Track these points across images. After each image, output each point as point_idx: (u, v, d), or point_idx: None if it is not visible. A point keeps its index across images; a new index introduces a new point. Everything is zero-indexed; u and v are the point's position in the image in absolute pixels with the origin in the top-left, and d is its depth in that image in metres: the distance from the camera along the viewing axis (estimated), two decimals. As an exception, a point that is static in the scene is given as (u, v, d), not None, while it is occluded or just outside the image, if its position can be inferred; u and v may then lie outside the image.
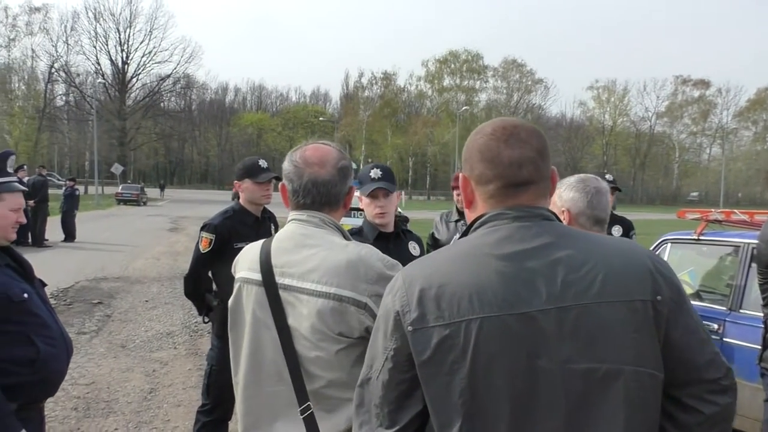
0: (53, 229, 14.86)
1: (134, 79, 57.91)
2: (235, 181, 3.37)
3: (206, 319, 3.42)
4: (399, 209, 4.05)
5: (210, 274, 3.39)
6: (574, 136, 76.84)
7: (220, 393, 3.28)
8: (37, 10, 51.49)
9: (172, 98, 66.01)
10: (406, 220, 4.30)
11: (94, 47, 55.77)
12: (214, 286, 3.40)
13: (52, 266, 10.70)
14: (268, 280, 1.61)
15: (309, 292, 1.54)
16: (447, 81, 70.02)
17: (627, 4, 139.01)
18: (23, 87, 52.49)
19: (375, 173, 2.85)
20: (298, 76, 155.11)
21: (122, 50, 56.62)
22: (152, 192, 44.88)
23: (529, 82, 70.27)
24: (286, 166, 1.70)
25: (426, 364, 1.12)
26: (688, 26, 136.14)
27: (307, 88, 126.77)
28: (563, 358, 1.09)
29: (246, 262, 1.73)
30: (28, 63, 52.10)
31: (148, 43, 56.61)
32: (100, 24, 55.66)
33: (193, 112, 76.29)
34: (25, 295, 2.19)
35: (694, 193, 71.05)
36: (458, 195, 4.54)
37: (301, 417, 1.55)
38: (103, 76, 54.88)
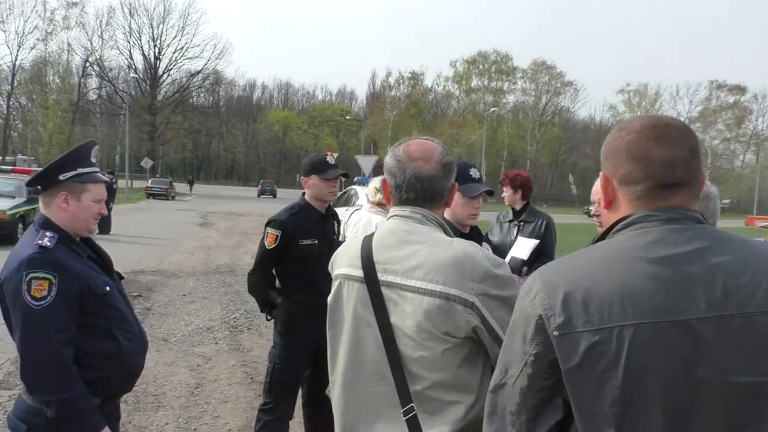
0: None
1: (165, 75, 58.69)
2: (302, 177, 3.32)
3: (269, 317, 3.36)
4: None
5: (274, 271, 3.35)
6: (603, 140, 75.46)
7: (283, 392, 3.24)
8: (74, 4, 52.41)
9: (201, 94, 66.71)
10: None
11: (128, 42, 56.68)
12: (278, 283, 3.35)
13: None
14: (370, 277, 1.59)
15: (413, 290, 1.51)
16: (475, 82, 69.71)
17: (661, 6, 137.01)
18: (57, 80, 53.44)
19: (474, 173, 2.76)
20: (325, 74, 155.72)
21: (155, 45, 57.44)
22: (180, 187, 45.41)
23: (558, 85, 69.60)
24: (388, 160, 1.67)
25: (574, 370, 1.07)
26: (724, 30, 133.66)
27: (333, 87, 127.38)
28: (723, 369, 1.03)
29: (346, 259, 1.70)
30: (63, 57, 53.07)
31: (180, 39, 57.37)
32: (134, 19, 56.57)
33: (221, 109, 76.94)
34: (107, 288, 2.16)
35: (726, 201, 69.70)
36: (505, 194, 4.44)
37: (404, 418, 1.51)
38: (135, 70, 55.64)
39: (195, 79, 59.50)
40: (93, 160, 2.22)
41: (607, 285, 1.08)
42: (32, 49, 50.86)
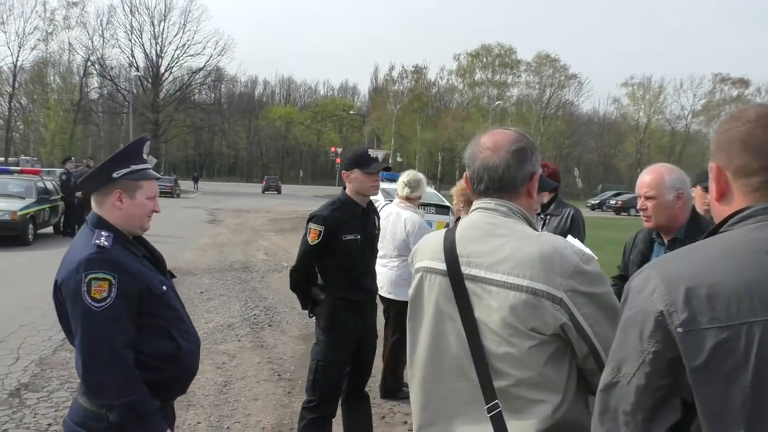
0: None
1: (167, 73, 58.53)
2: (343, 172, 3.25)
3: (311, 314, 3.29)
4: None
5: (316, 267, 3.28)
6: (607, 134, 75.67)
7: (327, 389, 3.18)
8: (75, 4, 52.11)
9: (203, 91, 66.59)
10: None
11: (129, 40, 56.40)
12: (319, 280, 3.28)
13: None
14: (454, 270, 1.54)
15: (499, 284, 1.46)
16: (479, 75, 69.43)
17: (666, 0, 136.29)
18: (59, 80, 53.34)
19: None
20: (327, 69, 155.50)
21: (156, 43, 57.19)
22: (184, 184, 45.38)
23: (563, 78, 69.14)
24: (466, 152, 1.67)
25: (700, 369, 1.03)
26: (727, 23, 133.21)
27: (335, 82, 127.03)
28: None
29: (428, 252, 1.66)
30: (64, 56, 52.93)
31: (181, 36, 57.10)
32: (135, 17, 56.17)
33: (223, 105, 76.87)
34: (164, 288, 2.10)
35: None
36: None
37: (488, 416, 1.46)
38: (137, 68, 55.53)
39: (197, 77, 59.40)
40: (145, 156, 2.15)
41: (733, 280, 1.04)
42: (33, 49, 50.68)
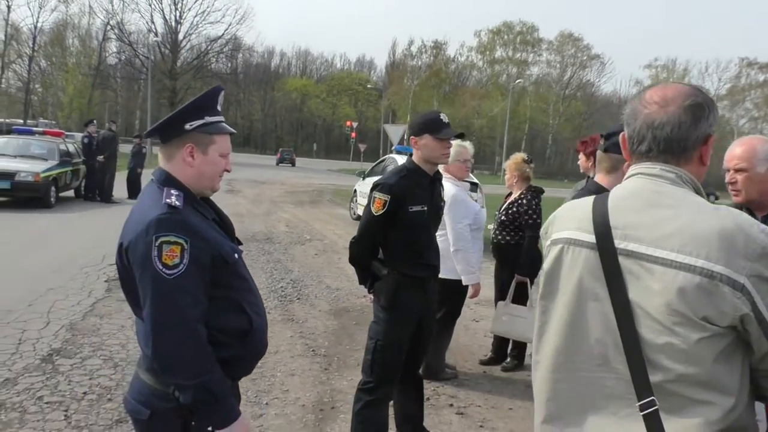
0: (119, 185, 14.90)
1: (185, 40, 58.05)
2: (411, 137, 3.01)
3: (371, 290, 3.09)
4: None
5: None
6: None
7: (386, 371, 3.01)
8: (96, -35, 51.67)
9: (221, 60, 66.03)
10: None
11: (150, 5, 55.82)
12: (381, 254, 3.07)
13: (123, 223, 10.68)
14: (605, 244, 1.33)
15: (665, 263, 1.24)
16: (499, 53, 68.38)
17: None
18: (77, 43, 53.07)
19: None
20: (344, 42, 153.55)
21: (176, 9, 56.60)
22: (200, 153, 44.96)
23: (585, 58, 68.02)
24: (626, 108, 1.44)
25: None
26: (756, 5, 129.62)
27: (352, 55, 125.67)
28: None
29: (570, 221, 1.45)
30: (84, 19, 52.58)
31: (201, 3, 56.54)
32: (157, -19, 55.65)
33: (239, 75, 76.32)
34: (236, 256, 1.90)
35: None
36: (580, 161, 4.33)
37: (641, 413, 1.26)
38: (156, 34, 55.08)
39: (215, 45, 58.85)
40: (219, 107, 1.94)
41: None
42: (53, 11, 50.46)
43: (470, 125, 62.58)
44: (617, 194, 1.40)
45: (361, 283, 3.17)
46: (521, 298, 4.68)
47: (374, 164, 14.56)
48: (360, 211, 13.86)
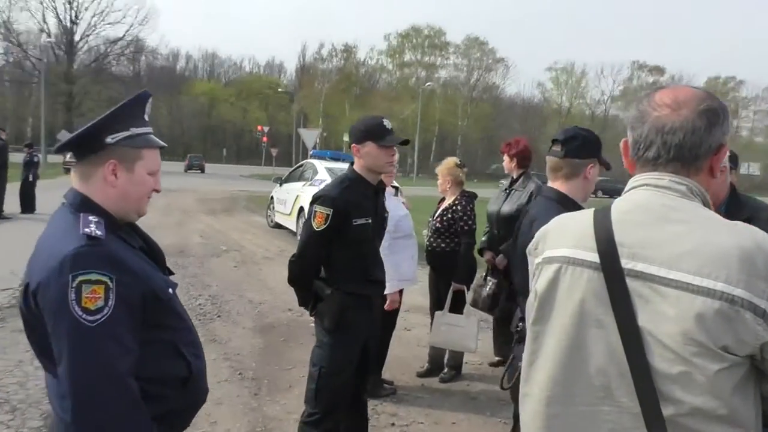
0: (10, 198, 13.67)
1: (83, 41, 54.80)
2: (353, 145, 2.78)
3: (313, 312, 2.83)
4: None
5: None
6: (530, 117, 77.65)
7: (333, 400, 2.76)
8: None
9: (122, 63, 62.90)
10: None
11: (41, 3, 52.31)
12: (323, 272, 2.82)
13: (17, 242, 9.75)
14: (610, 263, 1.19)
15: (681, 286, 1.10)
16: (408, 56, 69.36)
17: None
18: (-42, 44, 48.83)
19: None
20: (252, 45, 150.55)
21: (71, 8, 53.31)
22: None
23: (490, 61, 70.32)
24: (632, 112, 1.31)
25: None
26: (648, 13, 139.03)
27: (261, 59, 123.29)
28: None
29: (567, 237, 1.30)
30: (-35, 18, 48.46)
31: (99, 2, 53.52)
32: (46, -22, 52.17)
33: (143, 79, 72.94)
34: (170, 291, 1.62)
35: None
36: (504, 162, 4.63)
37: None
38: (48, 35, 51.59)
39: (115, 47, 55.97)
40: (147, 117, 1.64)
41: None
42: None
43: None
44: (622, 207, 1.26)
45: (301, 305, 2.90)
46: (458, 306, 4.57)
47: (292, 170, 14.18)
48: (278, 219, 13.45)
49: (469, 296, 4.57)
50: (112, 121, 1.55)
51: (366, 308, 2.81)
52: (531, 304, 1.37)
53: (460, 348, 4.58)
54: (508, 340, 4.89)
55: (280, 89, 76.25)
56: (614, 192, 35.69)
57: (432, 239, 4.68)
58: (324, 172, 11.45)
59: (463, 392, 4.61)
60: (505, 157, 4.69)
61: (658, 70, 70.36)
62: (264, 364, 5.06)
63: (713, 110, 1.22)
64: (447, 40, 69.29)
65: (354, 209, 2.70)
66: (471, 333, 4.47)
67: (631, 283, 1.16)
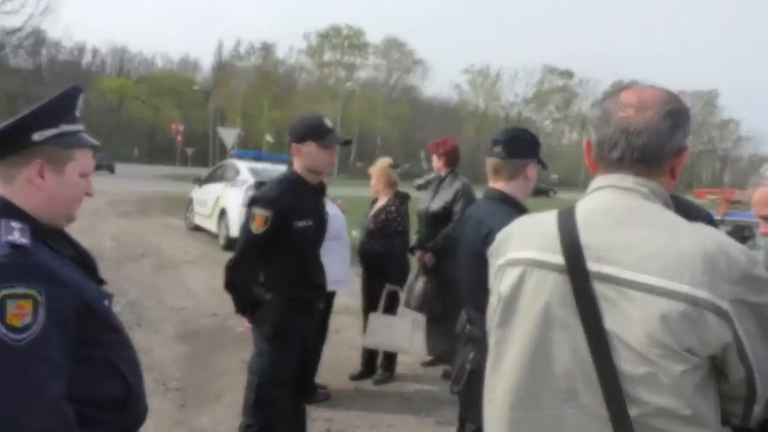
0: None
1: (-26, 31, 50.96)
2: (293, 144, 2.68)
3: (252, 320, 2.70)
4: None
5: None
6: (448, 118, 79.42)
7: (272, 411, 2.65)
8: None
9: (20, 55, 58.98)
10: None
11: None
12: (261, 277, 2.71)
13: None
14: (576, 266, 1.18)
15: (646, 288, 1.11)
16: (328, 56, 69.12)
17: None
18: None
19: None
20: (165, 41, 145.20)
21: (-41, -5, 49.38)
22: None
23: (409, 62, 71.22)
24: (595, 111, 1.29)
25: None
26: (560, 15, 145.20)
27: (174, 55, 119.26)
28: None
29: (531, 239, 1.29)
30: None
31: (-8, -10, 49.87)
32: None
33: (44, 73, 68.76)
34: (106, 303, 1.49)
35: (555, 176, 76.84)
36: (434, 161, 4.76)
37: None
38: (-66, 24, 47.66)
39: (12, 38, 52.38)
40: (78, 114, 1.50)
41: None
42: None
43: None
44: (586, 209, 1.25)
45: (239, 312, 2.76)
46: (391, 307, 4.55)
47: (212, 170, 13.74)
48: (197, 221, 12.99)
49: (402, 296, 4.56)
50: (40, 117, 1.40)
51: (307, 314, 2.72)
52: (493, 307, 1.36)
53: (395, 349, 4.57)
54: (441, 339, 4.95)
55: (195, 87, 73.97)
56: (540, 192, 37.10)
57: (365, 240, 4.64)
58: (246, 173, 11.16)
59: (398, 393, 4.58)
60: (434, 157, 4.75)
61: (567, 74, 73.74)
62: (189, 374, 4.85)
63: (677, 112, 1.23)
64: (366, 41, 69.67)
65: (294, 211, 2.60)
66: (405, 333, 4.46)
67: (597, 286, 1.16)
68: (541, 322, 1.22)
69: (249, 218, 2.59)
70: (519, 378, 1.24)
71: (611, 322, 1.13)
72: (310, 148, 2.67)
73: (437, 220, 4.57)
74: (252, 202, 2.62)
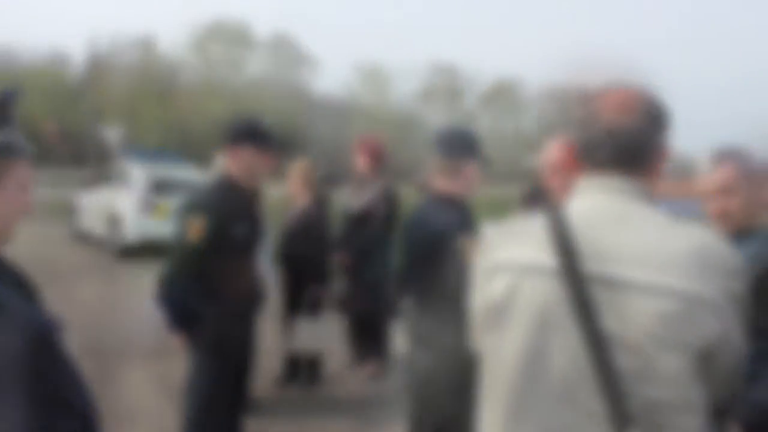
0: None
1: None
2: (228, 145, 2.54)
3: (187, 332, 2.53)
4: None
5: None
6: (338, 116, 79.44)
7: (212, 426, 2.50)
8: None
9: None
10: None
11: None
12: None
13: None
14: (572, 268, 1.19)
15: (642, 287, 1.15)
16: (213, 51, 66.78)
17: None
18: None
19: None
20: (31, 33, 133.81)
21: None
22: None
23: (299, 58, 70.34)
24: (575, 112, 1.32)
25: None
26: (447, 11, 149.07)
27: (42, 48, 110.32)
28: None
29: (519, 242, 1.28)
30: None
31: None
32: None
33: None
34: (57, 333, 1.33)
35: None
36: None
37: None
38: None
39: None
40: (14, 121, 1.33)
41: None
42: None
43: (190, 128, 60.12)
44: (575, 210, 1.27)
45: (173, 327, 2.58)
46: (314, 310, 4.48)
47: (96, 171, 12.84)
48: (84, 227, 12.11)
49: (326, 298, 4.51)
50: None
51: (245, 324, 2.60)
52: (481, 313, 1.34)
53: (321, 351, 4.52)
54: (364, 340, 4.95)
55: (68, 83, 68.81)
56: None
57: (286, 243, 4.53)
58: (140, 174, 10.46)
59: (325, 397, 4.54)
60: (359, 157, 4.74)
61: (452, 71, 76.08)
62: (97, 394, 4.50)
63: (661, 113, 1.28)
64: (253, 36, 68.08)
65: (231, 217, 2.47)
66: (331, 335, 4.43)
67: (593, 287, 1.17)
68: (537, 327, 1.22)
69: (183, 227, 2.42)
70: (514, 384, 1.24)
71: (607, 322, 1.16)
72: (247, 150, 2.55)
73: (359, 221, 4.55)
74: (186, 210, 2.46)
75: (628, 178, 1.26)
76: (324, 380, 4.79)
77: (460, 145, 2.48)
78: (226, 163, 2.61)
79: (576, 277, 1.18)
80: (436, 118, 76.20)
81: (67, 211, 13.67)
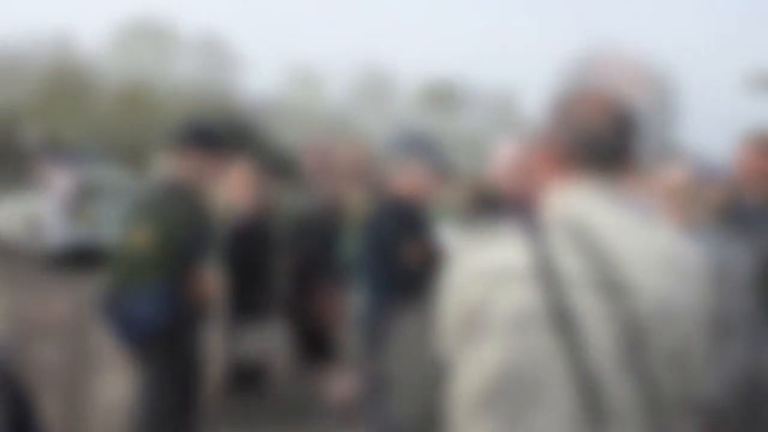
0: None
1: None
2: (178, 148, 2.41)
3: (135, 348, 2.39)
4: None
5: None
6: (270, 117, 78.66)
7: None
8: None
9: None
10: None
11: None
12: None
13: None
14: (551, 270, 1.18)
15: (624, 288, 1.16)
16: (138, 51, 64.58)
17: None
18: None
19: None
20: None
21: None
22: None
23: (228, 58, 69.19)
24: (550, 108, 1.30)
25: None
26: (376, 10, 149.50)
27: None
28: None
29: (498, 247, 1.26)
30: None
31: None
32: None
33: None
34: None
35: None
36: None
37: None
38: None
39: None
40: None
41: None
42: None
43: (120, 131, 57.94)
44: (555, 212, 1.26)
45: (123, 342, 2.43)
46: (254, 316, 4.45)
47: (9, 175, 12.09)
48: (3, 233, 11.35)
49: (272, 303, 4.47)
50: None
51: (197, 331, 2.49)
52: (457, 319, 1.29)
53: (267, 357, 4.48)
54: (312, 345, 4.87)
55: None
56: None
57: (230, 247, 4.43)
58: (64, 178, 9.90)
59: (275, 403, 4.53)
60: (306, 158, 4.72)
61: (387, 71, 76.89)
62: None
63: (643, 111, 1.27)
64: (180, 36, 66.34)
65: (180, 224, 2.37)
66: (276, 342, 4.41)
67: (574, 290, 1.17)
68: (514, 334, 1.19)
69: (130, 235, 2.29)
70: (495, 390, 1.20)
71: (592, 323, 1.15)
72: (198, 154, 2.43)
73: (306, 223, 4.52)
74: (132, 219, 2.33)
75: (611, 180, 1.26)
76: (271, 385, 4.71)
77: (410, 150, 2.48)
78: (173, 167, 2.47)
79: (555, 279, 1.17)
80: (372, 119, 76.66)
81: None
